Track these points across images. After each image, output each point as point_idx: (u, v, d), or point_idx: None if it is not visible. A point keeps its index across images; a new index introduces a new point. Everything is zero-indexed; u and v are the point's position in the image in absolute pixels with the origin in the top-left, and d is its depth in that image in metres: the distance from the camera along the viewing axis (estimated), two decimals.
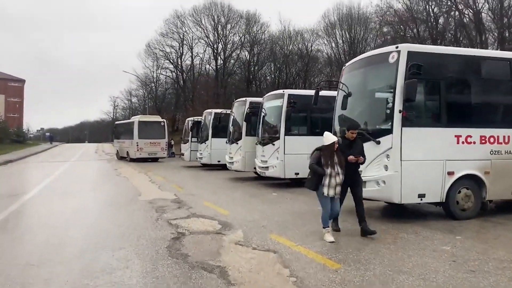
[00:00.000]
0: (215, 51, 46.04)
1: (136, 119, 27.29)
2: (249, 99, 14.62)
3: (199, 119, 21.84)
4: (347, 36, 38.49)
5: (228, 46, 45.60)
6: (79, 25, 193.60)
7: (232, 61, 46.45)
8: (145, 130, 26.11)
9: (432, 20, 31.21)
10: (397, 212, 8.04)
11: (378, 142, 6.81)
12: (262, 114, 13.15)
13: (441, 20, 30.93)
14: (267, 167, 12.31)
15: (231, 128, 15.61)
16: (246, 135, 14.25)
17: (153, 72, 52.12)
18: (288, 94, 11.89)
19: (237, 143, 14.53)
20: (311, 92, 14.28)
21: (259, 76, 46.96)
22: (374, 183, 6.86)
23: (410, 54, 6.62)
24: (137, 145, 25.83)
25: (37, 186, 13.29)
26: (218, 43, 45.80)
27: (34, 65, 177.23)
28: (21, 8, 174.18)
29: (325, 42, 40.38)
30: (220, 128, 19.46)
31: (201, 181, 14.84)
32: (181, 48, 47.94)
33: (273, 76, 46.26)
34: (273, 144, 12.04)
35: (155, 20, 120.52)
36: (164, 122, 27.50)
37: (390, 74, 6.80)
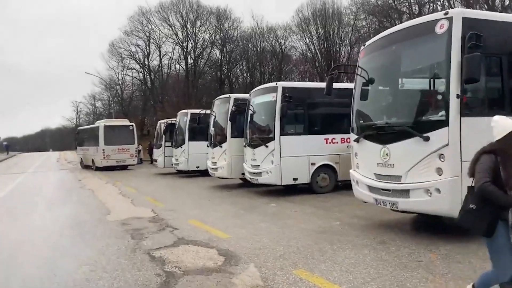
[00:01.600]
0: (185, 49, 43.73)
1: (101, 123, 24.79)
2: (234, 96, 12.81)
3: (173, 121, 19.78)
4: (322, 31, 37.31)
5: (198, 44, 43.39)
6: (35, 29, 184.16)
7: (203, 60, 44.27)
8: (112, 136, 23.72)
9: (414, 10, 30.47)
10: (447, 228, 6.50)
11: (427, 139, 5.20)
12: (250, 112, 11.39)
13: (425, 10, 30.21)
14: (260, 172, 10.55)
15: (212, 130, 13.74)
16: (232, 136, 12.43)
17: (118, 73, 49.09)
18: (283, 87, 10.18)
19: (221, 146, 12.69)
20: (308, 84, 12.85)
21: (232, 75, 45.05)
22: (423, 192, 5.25)
23: (466, 21, 5.07)
24: (103, 152, 23.39)
25: None
26: (188, 41, 43.50)
27: None
28: None
29: (299, 38, 39.03)
30: (198, 130, 17.51)
31: (181, 191, 12.88)
32: (147, 47, 45.28)
33: (246, 75, 44.52)
34: (266, 146, 10.29)
35: (119, 18, 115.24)
36: (133, 126, 25.15)
37: (438, 48, 5.22)
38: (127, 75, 48.37)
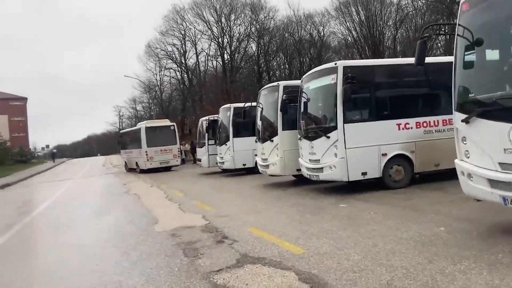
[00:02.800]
0: (221, 45, 42.90)
1: (142, 125, 24.33)
2: (283, 83, 11.45)
3: (215, 118, 18.76)
4: (363, 13, 35.07)
5: (234, 38, 42.38)
6: (75, 39, 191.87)
7: (239, 55, 43.23)
8: (154, 137, 23.17)
9: None
10: None
11: None
12: (304, 99, 10.02)
13: None
14: (321, 168, 9.15)
15: (260, 123, 12.49)
16: (284, 129, 11.12)
17: (156, 74, 49.14)
18: (344, 67, 8.70)
19: (272, 141, 11.40)
20: (374, 62, 11.19)
21: (269, 68, 43.67)
22: None
23: None
24: (147, 154, 22.90)
25: (23, 219, 10.29)
26: (223, 36, 42.64)
27: (35, 83, 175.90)
28: (18, 26, 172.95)
29: (339, 22, 36.97)
30: (243, 126, 16.43)
31: (231, 193, 11.73)
32: (183, 45, 44.90)
33: (283, 67, 42.98)
34: (328, 137, 8.88)
35: (154, 19, 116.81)
36: (174, 125, 24.50)
37: None
38: (165, 75, 48.36)
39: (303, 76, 10.52)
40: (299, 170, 11.10)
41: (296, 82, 11.39)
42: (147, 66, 48.89)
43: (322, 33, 40.40)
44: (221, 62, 43.51)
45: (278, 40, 41.35)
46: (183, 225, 7.58)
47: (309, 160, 9.72)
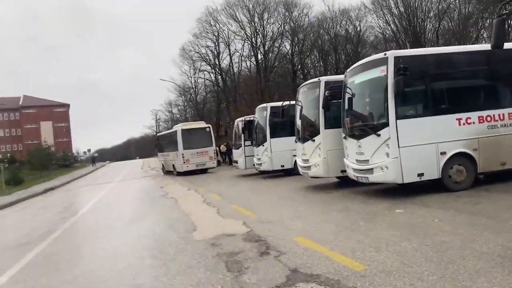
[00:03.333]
0: (254, 45, 42.47)
1: (178, 127, 24.25)
2: (324, 78, 10.72)
3: (251, 118, 18.26)
4: (402, 5, 33.49)
5: (268, 37, 41.81)
6: (111, 46, 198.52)
7: (273, 54, 42.60)
8: (190, 139, 23.00)
9: None
10: None
11: None
12: (348, 95, 9.25)
13: None
14: (371, 169, 8.36)
15: (299, 122, 11.82)
16: (326, 127, 10.41)
17: (191, 77, 49.45)
18: (395, 57, 7.88)
19: (313, 140, 10.70)
20: (429, 50, 10.19)
21: (304, 66, 42.77)
22: None
23: None
24: (183, 157, 22.75)
25: (63, 225, 10.18)
26: (256, 36, 42.20)
27: (76, 90, 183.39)
28: (57, 37, 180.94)
29: (377, 16, 35.53)
30: (280, 125, 15.86)
31: (270, 196, 11.13)
32: (217, 47, 44.84)
33: (317, 64, 41.96)
34: (378, 135, 8.08)
35: (188, 20, 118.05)
36: (209, 127, 24.23)
37: None
38: (200, 77, 48.53)
39: (347, 70, 9.76)
40: (344, 171, 10.37)
41: (339, 77, 10.63)
42: (182, 69, 49.33)
43: (358, 28, 39.09)
44: (254, 62, 43.11)
45: (312, 37, 40.38)
46: (223, 232, 7.07)
47: (356, 160, 8.96)
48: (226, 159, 29.36)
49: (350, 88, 9.27)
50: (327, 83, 10.40)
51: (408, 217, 6.50)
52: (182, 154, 22.72)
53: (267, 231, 6.74)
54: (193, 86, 50.23)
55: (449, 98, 8.22)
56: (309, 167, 11.07)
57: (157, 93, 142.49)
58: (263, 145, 15.97)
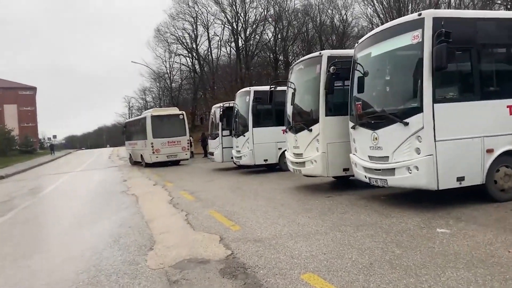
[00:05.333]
0: (235, 30, 39.85)
1: (148, 113, 21.66)
2: (327, 52, 8.55)
3: (230, 104, 15.98)
4: None
5: (250, 21, 39.26)
6: (84, 29, 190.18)
7: (255, 40, 40.14)
8: (161, 127, 20.51)
9: None
10: None
11: None
12: (358, 73, 7.20)
13: None
14: (392, 169, 6.30)
15: (290, 109, 9.66)
16: (327, 114, 8.30)
17: (165, 61, 46.41)
18: (434, 18, 5.79)
19: (310, 130, 8.58)
20: (477, 14, 7.99)
21: (287, 55, 40.56)
22: None
23: None
24: (152, 146, 20.25)
25: None
26: (238, 20, 39.57)
27: (46, 74, 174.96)
28: (28, 17, 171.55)
29: (365, 4, 33.70)
30: (265, 113, 13.74)
31: (257, 198, 8.93)
32: (195, 30, 41.96)
33: (301, 53, 39.85)
34: (404, 124, 6.02)
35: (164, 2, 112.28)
36: (183, 114, 21.75)
37: None
38: (175, 62, 45.53)
39: (360, 41, 7.65)
40: (346, 170, 8.38)
41: (345, 52, 8.55)
42: (156, 53, 46.33)
43: (344, 17, 37.19)
44: (235, 48, 40.53)
45: (296, 24, 38.15)
46: (191, 254, 4.89)
47: (370, 157, 6.89)
48: (201, 150, 27.01)
49: (361, 65, 7.21)
50: (330, 57, 8.25)
51: (462, 241, 4.46)
52: (152, 143, 20.23)
53: (256, 257, 4.58)
54: (168, 72, 47.23)
55: (500, 78, 6.23)
56: (302, 164, 8.95)
57: (130, 79, 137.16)
58: (244, 136, 13.77)
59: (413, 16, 6.09)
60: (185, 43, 42.84)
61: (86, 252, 5.52)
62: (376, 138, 6.67)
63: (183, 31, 41.92)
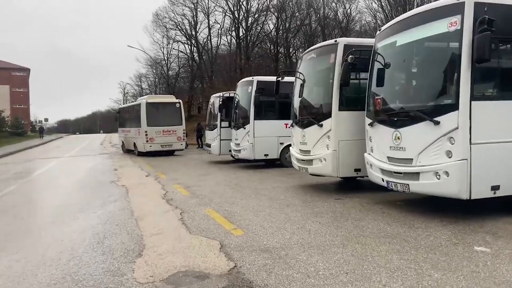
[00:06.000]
0: (236, 19, 38.77)
1: (143, 100, 20.77)
2: (343, 40, 7.76)
3: (230, 94, 15.18)
4: None
5: (251, 12, 38.15)
6: (83, 11, 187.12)
7: (256, 30, 39.09)
8: (156, 115, 19.67)
9: None
10: None
11: None
12: (378, 64, 6.46)
13: None
14: (417, 173, 5.58)
15: (297, 101, 8.90)
16: (340, 109, 7.55)
17: (163, 48, 45.22)
18: (475, 3, 5.04)
19: (320, 125, 7.82)
20: None
21: (288, 46, 39.64)
22: None
23: None
24: (146, 135, 19.42)
25: None
26: (239, 9, 38.47)
27: (42, 56, 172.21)
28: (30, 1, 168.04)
29: None
30: (267, 105, 12.98)
31: (258, 196, 8.18)
32: (195, 16, 40.78)
33: (305, 45, 38.96)
34: (436, 123, 5.29)
35: None
36: (179, 103, 20.90)
37: None
38: (173, 48, 44.34)
39: (382, 28, 6.88)
40: (358, 170, 7.67)
41: (363, 41, 7.78)
42: (154, 38, 45.13)
43: (348, 11, 36.32)
44: (235, 38, 39.49)
45: (299, 16, 37.15)
46: (186, 266, 4.14)
47: (389, 158, 6.18)
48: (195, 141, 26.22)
49: (382, 55, 6.46)
50: (347, 46, 7.48)
51: (510, 265, 3.76)
52: (146, 132, 19.38)
53: (264, 272, 3.85)
54: (165, 58, 46.05)
55: None
56: (310, 161, 8.22)
57: (127, 65, 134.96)
58: (244, 128, 13.00)
59: (451, 0, 5.32)
60: (184, 30, 41.74)
61: (64, 255, 4.74)
62: (398, 138, 5.94)
63: (183, 17, 40.80)
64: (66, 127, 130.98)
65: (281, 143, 12.82)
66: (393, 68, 6.33)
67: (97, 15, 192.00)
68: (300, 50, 41.24)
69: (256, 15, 37.97)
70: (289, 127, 12.52)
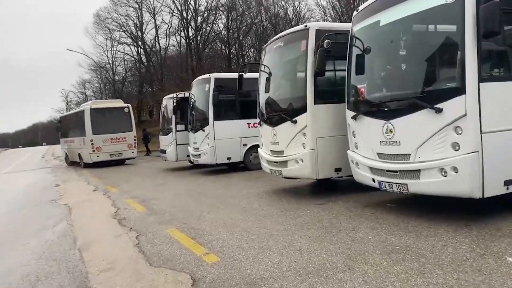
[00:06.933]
0: (184, 18, 37.18)
1: (86, 106, 18.88)
2: (315, 25, 6.83)
3: (185, 95, 13.93)
4: None
5: (201, 8, 36.73)
6: (20, 17, 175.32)
7: (206, 30, 37.78)
8: (102, 121, 17.91)
9: None
10: None
11: None
12: (357, 50, 5.68)
13: None
14: (417, 170, 4.78)
15: (264, 97, 7.93)
16: (316, 102, 6.66)
17: (107, 51, 42.61)
18: None
19: (294, 122, 6.89)
20: None
21: (241, 46, 38.74)
22: None
23: None
24: (92, 144, 17.61)
25: None
26: (187, 8, 36.94)
27: None
28: None
29: None
30: (228, 104, 11.92)
31: (228, 207, 7.10)
32: (140, 17, 38.64)
33: (257, 45, 38.30)
34: (438, 111, 4.52)
35: None
36: (128, 107, 19.24)
37: None
38: (118, 51, 41.84)
39: (361, 8, 6.06)
40: (338, 170, 6.84)
41: (336, 25, 6.94)
42: (97, 41, 42.31)
43: (298, 9, 36.10)
44: (185, 38, 37.85)
45: (250, 14, 36.36)
46: None
47: (379, 155, 5.37)
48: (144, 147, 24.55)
49: (361, 39, 5.68)
50: (320, 31, 6.61)
51: None
52: (91, 141, 17.58)
53: None
54: (110, 62, 43.41)
55: None
56: (283, 163, 7.27)
57: (68, 71, 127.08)
58: (204, 130, 11.85)
59: None
60: (129, 31, 39.41)
61: None
62: (390, 130, 5.13)
63: (127, 17, 38.52)
64: (5, 141, 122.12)
65: (245, 145, 11.83)
66: (379, 51, 5.56)
67: (32, 20, 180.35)
68: (252, 50, 40.55)
69: (205, 14, 36.65)
70: (252, 127, 11.73)
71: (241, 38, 37.20)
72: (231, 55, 39.73)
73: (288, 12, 37.86)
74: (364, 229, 4.85)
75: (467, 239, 4.13)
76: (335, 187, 8.14)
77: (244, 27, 36.58)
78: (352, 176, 6.46)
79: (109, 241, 5.51)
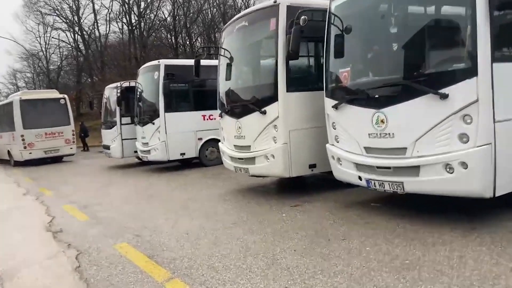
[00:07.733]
0: (126, 4, 34.67)
1: (16, 97, 16.62)
2: (285, 1, 5.94)
3: (131, 84, 12.53)
4: None
5: None
6: None
7: (150, 16, 35.58)
8: (35, 114, 15.85)
9: None
10: None
11: None
12: (336, 29, 4.95)
13: None
14: (415, 166, 4.13)
15: (225, 85, 6.98)
16: (289, 90, 5.84)
17: (40, 37, 38.88)
18: None
19: (263, 113, 6.02)
20: None
21: (188, 34, 37.01)
22: None
23: None
24: (23, 140, 15.57)
25: None
26: None
27: None
28: None
29: None
30: (180, 94, 10.79)
31: (188, 212, 6.09)
32: (76, 0, 35.47)
33: (204, 34, 36.84)
34: (443, 97, 3.88)
35: None
36: (65, 98, 17.25)
37: None
38: (52, 37, 38.28)
39: None
40: (313, 166, 6.12)
41: (310, 2, 6.12)
42: (27, 26, 38.40)
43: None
44: (127, 24, 35.38)
45: (197, 1, 34.70)
46: None
47: (366, 149, 4.69)
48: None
49: (342, 16, 4.94)
50: (291, 8, 5.77)
51: None
52: (22, 136, 15.51)
53: None
54: (44, 49, 39.69)
55: None
56: (251, 160, 6.39)
57: None
58: (153, 123, 10.64)
59: None
60: (64, 15, 36.09)
61: None
62: (382, 121, 4.43)
63: (61, 0, 35.23)
64: None
65: (200, 139, 10.82)
66: (367, 29, 4.84)
67: None
68: (199, 40, 38.98)
69: (149, 0, 34.46)
70: (208, 119, 10.74)
71: (188, 26, 35.45)
72: (178, 44, 37.96)
73: (237, 0, 36.74)
74: (357, 238, 4.12)
75: (484, 247, 3.52)
76: (304, 184, 7.42)
77: (191, 14, 34.90)
78: (326, 173, 5.80)
79: (41, 264, 4.32)
